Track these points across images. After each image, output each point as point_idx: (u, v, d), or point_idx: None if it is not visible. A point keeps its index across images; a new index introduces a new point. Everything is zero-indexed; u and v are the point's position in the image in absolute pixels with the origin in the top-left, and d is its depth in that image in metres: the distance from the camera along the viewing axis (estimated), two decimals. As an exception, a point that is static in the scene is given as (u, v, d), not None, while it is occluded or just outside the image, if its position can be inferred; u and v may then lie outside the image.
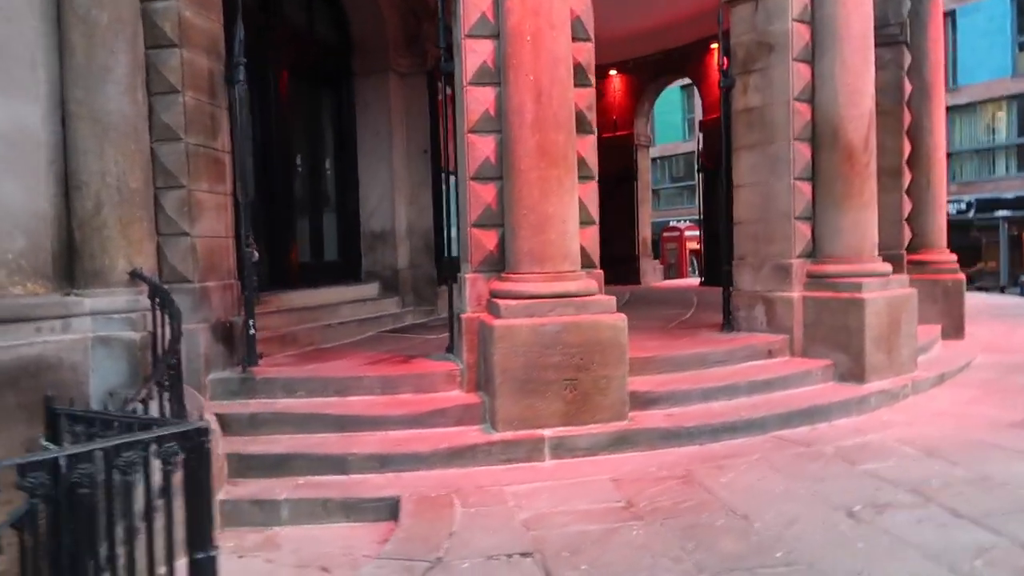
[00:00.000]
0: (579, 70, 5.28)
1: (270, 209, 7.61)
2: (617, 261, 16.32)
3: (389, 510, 4.07)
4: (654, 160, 40.69)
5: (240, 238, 5.60)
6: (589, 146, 5.37)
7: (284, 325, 6.62)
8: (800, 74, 6.27)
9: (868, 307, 5.91)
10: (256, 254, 5.34)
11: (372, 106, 8.63)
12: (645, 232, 16.70)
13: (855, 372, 5.97)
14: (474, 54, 5.14)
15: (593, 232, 5.42)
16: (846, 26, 6.13)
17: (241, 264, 5.49)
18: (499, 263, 5.17)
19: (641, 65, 15.83)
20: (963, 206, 25.75)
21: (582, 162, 5.32)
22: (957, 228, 27.75)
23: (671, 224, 28.37)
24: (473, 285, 5.20)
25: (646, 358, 5.66)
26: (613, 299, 5.06)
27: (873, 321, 5.94)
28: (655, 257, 19.74)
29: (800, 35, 6.26)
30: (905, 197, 8.44)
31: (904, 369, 6.20)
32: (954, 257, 8.75)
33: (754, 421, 5.12)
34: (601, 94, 16.55)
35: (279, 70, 7.80)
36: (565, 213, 4.95)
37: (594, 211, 5.41)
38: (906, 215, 8.47)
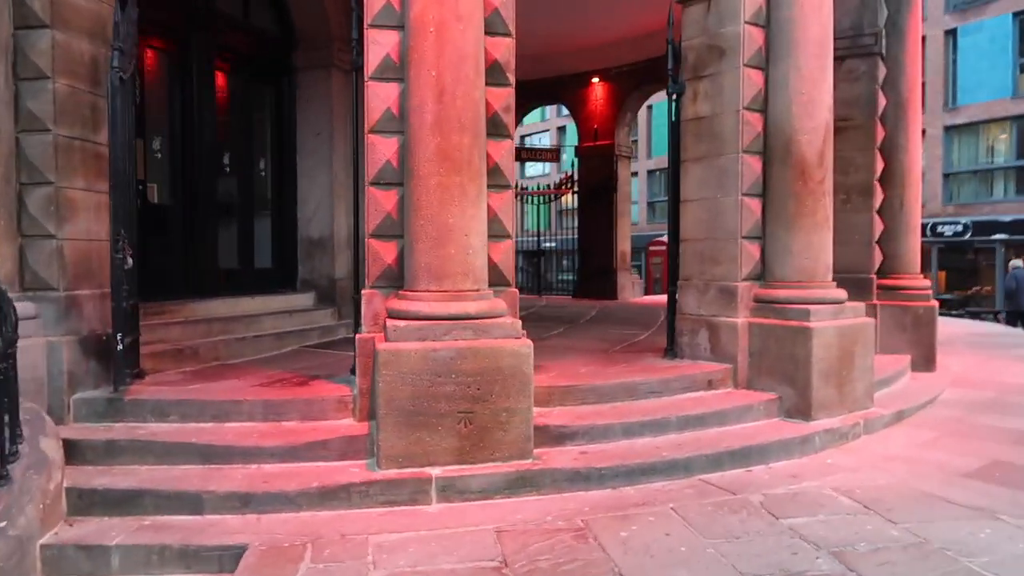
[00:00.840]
0: (495, 68, 4.78)
1: (191, 211, 7.11)
2: (594, 275, 15.87)
3: (234, 560, 3.53)
4: (651, 172, 40.66)
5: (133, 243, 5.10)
6: (505, 152, 4.86)
7: (186, 338, 6.10)
8: (751, 81, 5.76)
9: (816, 337, 5.37)
10: (130, 260, 4.82)
11: (313, 103, 8.14)
12: (624, 246, 16.14)
13: (801, 408, 5.43)
14: (377, 46, 4.64)
15: (507, 247, 4.89)
16: (803, 30, 5.62)
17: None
18: (399, 278, 4.65)
19: (624, 74, 15.34)
20: (960, 228, 25.17)
21: (495, 169, 4.81)
22: (953, 250, 27.43)
23: (659, 238, 27.86)
24: (370, 302, 4.68)
25: (566, 387, 5.13)
26: (518, 322, 4.54)
27: (821, 353, 5.40)
28: (637, 272, 19.23)
29: (752, 39, 5.75)
30: (876, 217, 7.92)
31: (857, 405, 5.65)
32: (927, 283, 8.21)
33: (678, 462, 4.58)
34: (582, 102, 16.14)
35: (207, 60, 7.30)
36: (468, 225, 4.43)
37: (509, 224, 4.89)
38: (877, 237, 7.94)
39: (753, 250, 5.84)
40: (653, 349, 6.79)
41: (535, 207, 19.39)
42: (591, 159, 16.07)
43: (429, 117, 4.38)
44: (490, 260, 4.82)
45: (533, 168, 39.73)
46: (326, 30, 8.01)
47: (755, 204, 5.83)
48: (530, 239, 19.91)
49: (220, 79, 7.55)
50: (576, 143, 16.75)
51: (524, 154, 18.52)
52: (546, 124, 42.64)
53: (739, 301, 5.78)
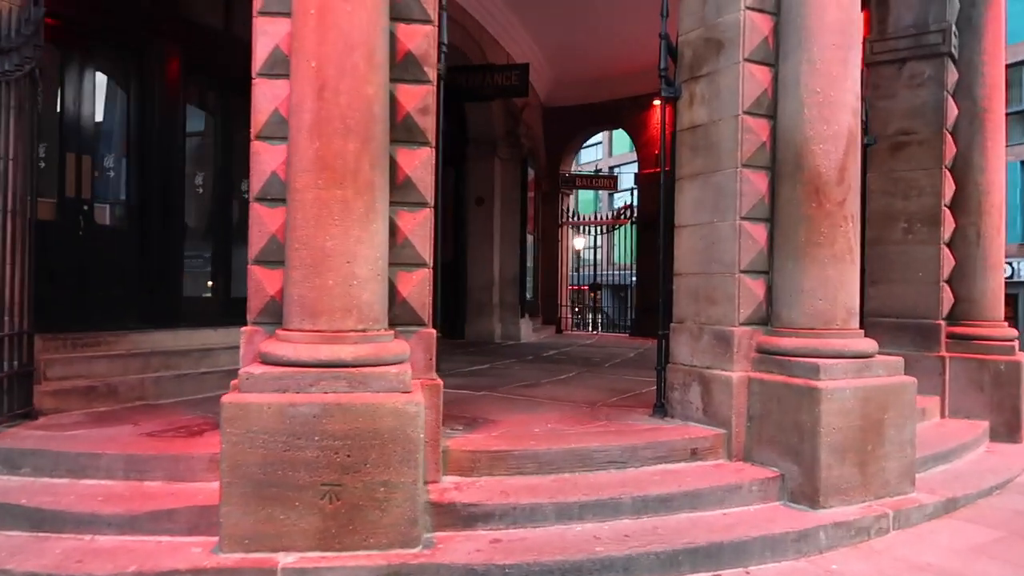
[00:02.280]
0: (409, 61, 3.95)
1: (149, 235, 6.60)
2: (644, 312, 14.69)
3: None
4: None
5: (25, 266, 4.57)
6: (420, 163, 4.00)
7: (112, 373, 5.50)
8: (754, 80, 4.68)
9: (826, 400, 4.18)
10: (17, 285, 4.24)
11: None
12: (684, 280, 14.89)
13: (806, 491, 4.23)
14: (266, 37, 3.90)
15: (421, 279, 4.01)
16: (818, 15, 4.52)
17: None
18: (282, 313, 3.84)
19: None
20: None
21: (407, 184, 3.96)
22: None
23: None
24: (250, 342, 3.88)
25: (497, 453, 4.16)
26: (407, 372, 3.61)
27: (835, 420, 4.20)
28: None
29: (756, 28, 4.69)
30: (946, 251, 6.55)
31: (888, 490, 4.39)
32: (1012, 332, 6.70)
33: (615, 562, 3.51)
34: (642, 126, 15.13)
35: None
36: (352, 250, 3.57)
37: (425, 250, 4.01)
38: (947, 275, 6.56)
39: (755, 287, 4.70)
40: (650, 404, 5.69)
41: (596, 238, 18.40)
42: (652, 187, 14.96)
43: (307, 117, 3.59)
44: (396, 294, 3.96)
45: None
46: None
47: (758, 231, 4.70)
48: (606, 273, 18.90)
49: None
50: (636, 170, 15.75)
51: (579, 181, 17.59)
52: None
53: (736, 350, 4.65)
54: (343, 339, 3.55)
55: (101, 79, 6.40)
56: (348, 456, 3.40)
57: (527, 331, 12.73)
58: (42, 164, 5.85)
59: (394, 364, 3.63)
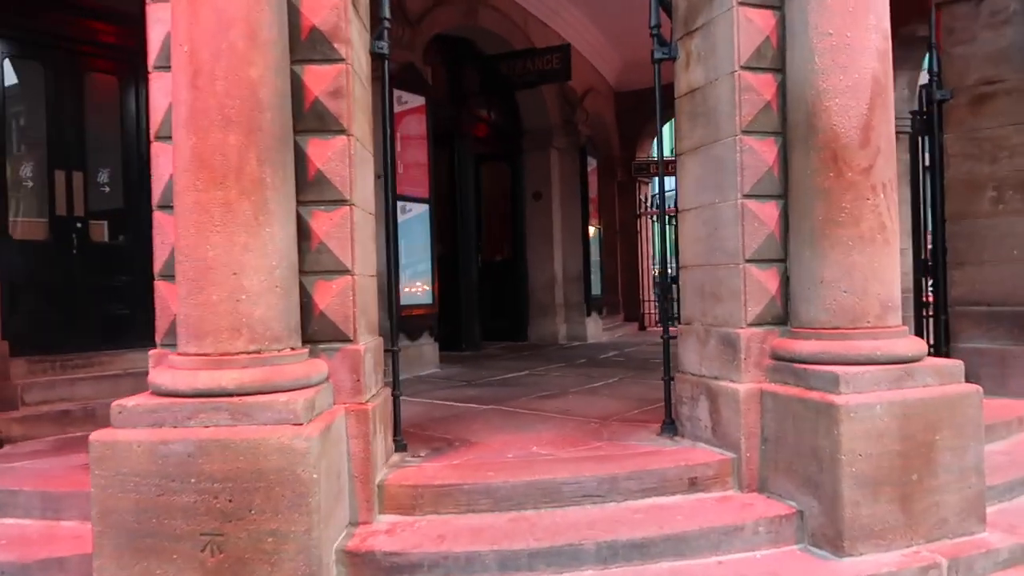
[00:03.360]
0: (316, 38, 3.43)
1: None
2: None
3: None
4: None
5: None
6: (334, 154, 3.45)
7: (95, 396, 5.30)
8: (752, 26, 3.83)
9: (847, 419, 3.30)
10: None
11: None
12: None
13: (828, 533, 3.37)
14: (158, 25, 3.48)
15: (342, 287, 3.47)
16: (829, -62, 3.63)
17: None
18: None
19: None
20: None
21: (319, 180, 3.44)
22: None
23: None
24: (155, 367, 3.47)
25: (442, 487, 3.56)
26: (299, 400, 3.04)
27: (861, 445, 3.32)
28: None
29: (753, -38, 3.85)
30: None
31: (944, 530, 3.45)
32: None
33: (557, 630, 2.84)
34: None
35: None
36: (239, 260, 3.08)
37: (346, 255, 3.47)
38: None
39: (765, 280, 3.86)
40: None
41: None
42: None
43: (183, 110, 3.12)
44: (313, 307, 3.44)
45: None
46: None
47: (766, 210, 3.86)
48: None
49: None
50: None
51: (654, 168, 16.53)
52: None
53: (743, 357, 3.83)
54: (230, 363, 3.05)
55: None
56: (229, 501, 2.90)
57: (595, 330, 11.96)
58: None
59: (293, 390, 3.10)
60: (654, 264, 16.50)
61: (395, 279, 4.24)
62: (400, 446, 4.11)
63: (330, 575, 3.05)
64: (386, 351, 4.13)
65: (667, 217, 4.94)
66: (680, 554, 3.31)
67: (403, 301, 7.36)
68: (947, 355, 5.68)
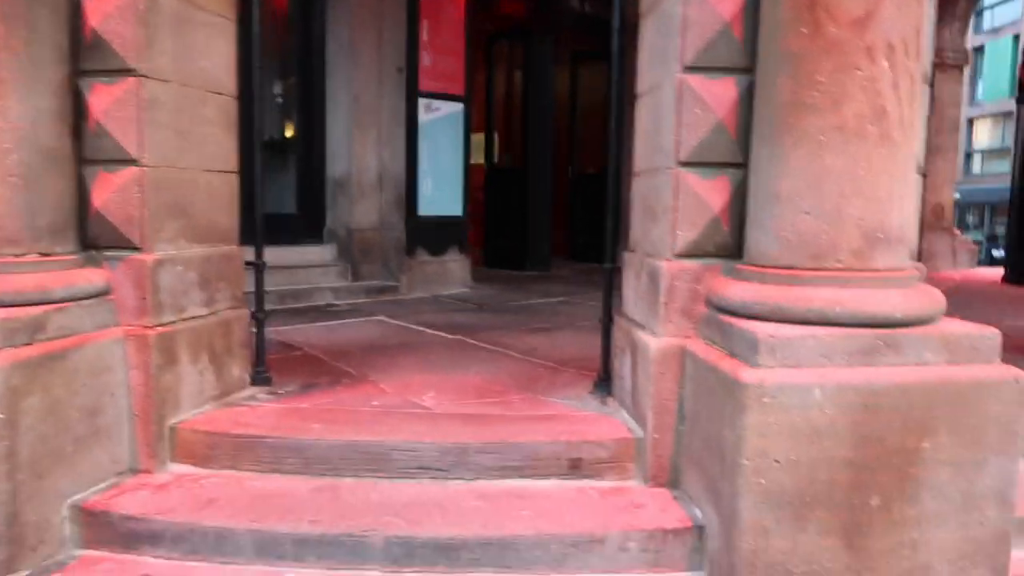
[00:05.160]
0: None
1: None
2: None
3: None
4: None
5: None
6: (116, 8, 2.68)
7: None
8: None
9: (755, 407, 2.15)
10: None
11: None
12: (938, 195, 11.29)
13: (722, 566, 2.29)
14: None
15: (126, 180, 2.75)
16: None
17: None
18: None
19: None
20: None
21: (98, 42, 2.72)
22: None
23: None
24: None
25: (242, 439, 2.86)
26: (27, 320, 2.39)
27: (781, 447, 2.16)
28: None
29: None
30: None
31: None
32: None
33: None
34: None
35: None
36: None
37: (128, 138, 2.73)
38: None
39: (707, 192, 2.66)
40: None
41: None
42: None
43: None
44: (89, 203, 2.78)
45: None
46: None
47: (715, 90, 2.62)
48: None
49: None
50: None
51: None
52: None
53: (663, 300, 2.70)
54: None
55: None
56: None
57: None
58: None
59: (15, 306, 2.48)
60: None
61: (260, 178, 3.46)
62: (261, 379, 3.44)
63: (55, 534, 2.48)
64: (250, 264, 3.42)
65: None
66: (504, 566, 2.40)
67: (423, 211, 6.62)
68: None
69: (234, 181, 3.36)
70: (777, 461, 2.17)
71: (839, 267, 2.32)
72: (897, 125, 2.30)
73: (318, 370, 3.81)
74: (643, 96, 3.11)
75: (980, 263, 12.78)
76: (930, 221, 11.19)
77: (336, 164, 6.61)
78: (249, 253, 3.43)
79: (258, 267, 3.43)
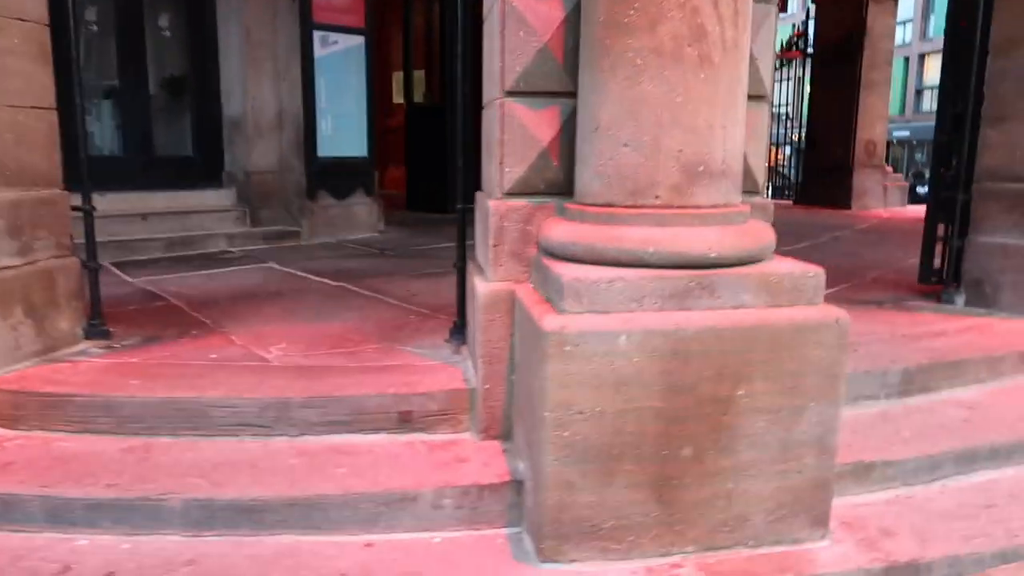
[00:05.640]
0: None
1: None
2: (822, 173, 11.41)
3: None
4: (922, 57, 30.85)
5: None
6: None
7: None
8: None
9: (557, 355, 2.01)
10: None
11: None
12: (872, 132, 11.20)
13: (533, 522, 2.19)
14: None
15: None
16: None
17: None
18: None
19: None
20: None
21: None
22: None
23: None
24: None
25: (49, 397, 2.65)
26: None
27: (585, 398, 2.03)
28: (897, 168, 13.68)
29: None
30: None
31: (736, 535, 2.17)
32: None
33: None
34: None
35: None
36: None
37: None
38: None
39: (535, 124, 2.47)
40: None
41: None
42: (831, 6, 11.33)
43: None
44: None
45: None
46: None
47: (540, 9, 2.40)
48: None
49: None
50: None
51: None
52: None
53: (491, 243, 2.54)
54: None
55: None
56: None
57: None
58: None
59: None
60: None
61: (81, 117, 3.17)
62: (98, 333, 3.22)
63: None
64: (76, 209, 3.16)
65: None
66: (314, 527, 2.26)
67: (324, 151, 6.33)
68: (960, 250, 3.99)
69: (52, 118, 3.07)
70: (581, 413, 2.04)
71: (657, 204, 2.17)
72: (718, 47, 2.12)
73: (171, 321, 3.60)
74: (485, 20, 2.88)
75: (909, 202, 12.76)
76: (861, 158, 11.15)
77: (231, 103, 6.26)
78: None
79: (87, 212, 3.17)
